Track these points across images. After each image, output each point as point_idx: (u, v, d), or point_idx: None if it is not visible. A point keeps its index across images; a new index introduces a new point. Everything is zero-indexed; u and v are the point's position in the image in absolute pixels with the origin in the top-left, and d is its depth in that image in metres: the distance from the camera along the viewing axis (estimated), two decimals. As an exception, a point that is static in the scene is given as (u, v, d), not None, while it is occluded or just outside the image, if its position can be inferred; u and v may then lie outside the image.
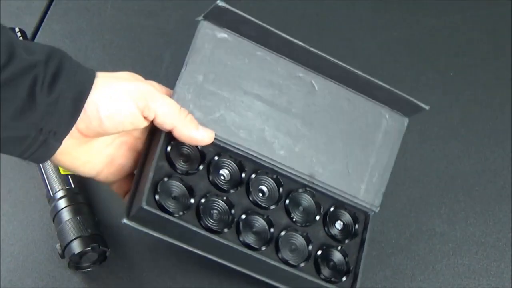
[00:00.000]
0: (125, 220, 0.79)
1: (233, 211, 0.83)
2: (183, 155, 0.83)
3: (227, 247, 0.81)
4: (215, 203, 0.83)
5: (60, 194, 0.87)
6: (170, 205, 0.80)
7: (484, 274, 0.89)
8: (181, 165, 0.82)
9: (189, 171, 0.83)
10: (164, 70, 1.03)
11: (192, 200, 0.82)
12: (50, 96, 0.71)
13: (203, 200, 0.82)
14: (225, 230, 0.82)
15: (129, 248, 0.89)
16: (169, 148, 0.81)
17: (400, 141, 0.88)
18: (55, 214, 0.87)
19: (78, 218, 0.85)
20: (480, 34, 1.08)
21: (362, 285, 0.83)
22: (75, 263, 0.85)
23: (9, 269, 0.88)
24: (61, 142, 0.74)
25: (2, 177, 0.94)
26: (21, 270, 0.88)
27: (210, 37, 0.83)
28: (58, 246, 0.85)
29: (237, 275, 0.87)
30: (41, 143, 0.72)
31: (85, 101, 0.73)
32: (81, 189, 0.89)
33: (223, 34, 0.84)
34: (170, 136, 0.80)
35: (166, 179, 0.80)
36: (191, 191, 0.82)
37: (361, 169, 0.87)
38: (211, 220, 0.82)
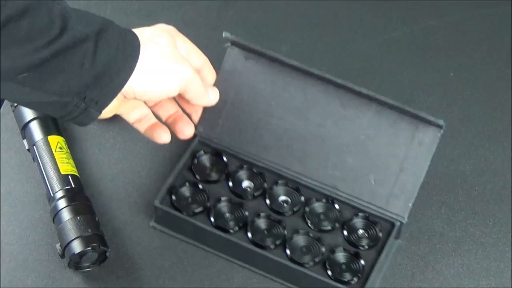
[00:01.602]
0: (152, 223, 0.89)
1: (246, 213, 0.87)
2: (207, 167, 0.90)
3: (236, 245, 0.84)
4: (229, 207, 0.87)
5: (60, 194, 0.87)
6: (183, 204, 0.87)
7: (484, 274, 0.89)
8: (203, 174, 0.89)
9: (209, 179, 0.89)
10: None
11: (208, 204, 0.87)
12: (97, 69, 0.73)
13: (218, 203, 0.87)
14: (236, 228, 0.86)
15: (129, 248, 0.89)
16: (195, 161, 0.90)
17: (432, 153, 0.86)
18: (55, 214, 0.86)
19: (78, 218, 0.85)
20: (480, 34, 1.08)
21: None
22: (75, 263, 0.85)
23: (9, 269, 0.88)
24: (101, 112, 0.77)
25: (2, 177, 0.94)
26: (21, 270, 0.88)
27: (238, 61, 0.89)
28: (58, 246, 0.85)
29: (237, 275, 0.87)
30: (82, 110, 0.75)
31: (129, 77, 0.76)
32: (81, 189, 0.89)
33: (249, 58, 0.89)
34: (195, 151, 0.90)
35: (186, 183, 0.88)
36: (207, 195, 0.88)
37: (387, 181, 0.86)
38: (223, 220, 0.86)
